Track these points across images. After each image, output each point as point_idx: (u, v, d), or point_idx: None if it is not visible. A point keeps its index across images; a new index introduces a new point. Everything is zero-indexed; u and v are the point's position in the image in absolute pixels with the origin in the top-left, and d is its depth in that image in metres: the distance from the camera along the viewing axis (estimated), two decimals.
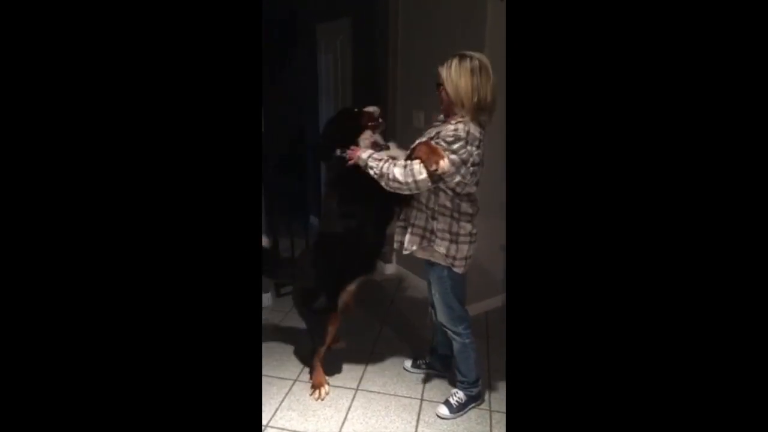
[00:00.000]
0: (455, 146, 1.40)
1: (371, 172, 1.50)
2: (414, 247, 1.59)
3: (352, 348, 2.23)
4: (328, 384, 1.91)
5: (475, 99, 1.40)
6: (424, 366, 2.03)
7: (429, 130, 1.54)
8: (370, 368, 2.08)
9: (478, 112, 1.43)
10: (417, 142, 1.50)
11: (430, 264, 1.63)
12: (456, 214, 1.52)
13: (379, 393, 1.91)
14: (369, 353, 2.19)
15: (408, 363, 2.06)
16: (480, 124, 1.45)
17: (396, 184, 1.44)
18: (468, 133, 1.40)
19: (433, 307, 1.77)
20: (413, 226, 1.58)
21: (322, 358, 1.92)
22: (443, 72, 1.44)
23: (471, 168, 1.44)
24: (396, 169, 1.44)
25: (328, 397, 1.88)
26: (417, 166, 1.41)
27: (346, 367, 2.09)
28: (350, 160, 1.56)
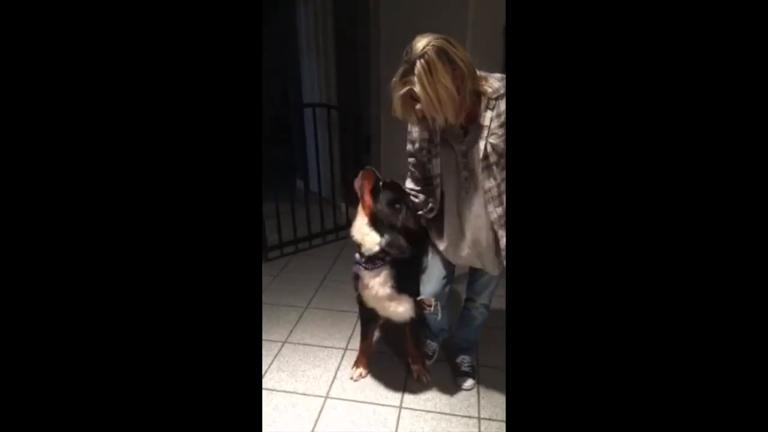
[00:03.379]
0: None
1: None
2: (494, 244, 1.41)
3: (342, 309, 2.24)
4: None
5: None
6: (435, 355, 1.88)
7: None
8: (359, 328, 2.09)
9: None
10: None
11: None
12: (503, 196, 1.33)
13: None
14: (358, 313, 2.20)
15: (469, 382, 1.78)
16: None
17: None
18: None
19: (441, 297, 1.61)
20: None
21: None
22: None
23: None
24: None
25: (317, 358, 1.90)
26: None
27: (335, 327, 2.10)
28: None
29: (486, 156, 1.28)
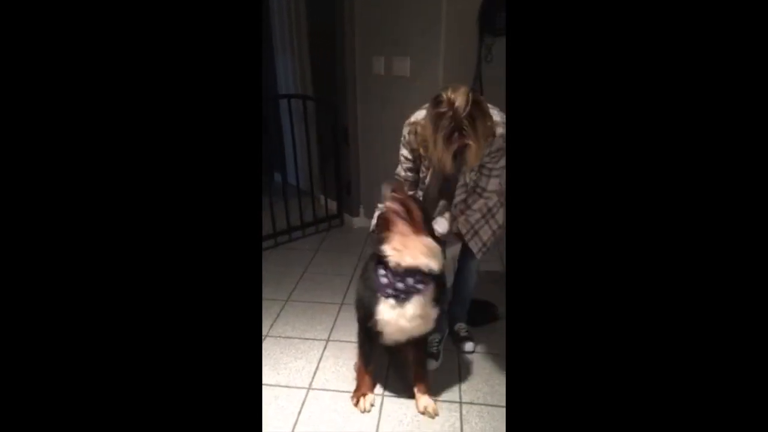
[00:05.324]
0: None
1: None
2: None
3: (323, 301, 2.25)
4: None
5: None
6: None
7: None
8: (341, 318, 2.10)
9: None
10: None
11: None
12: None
13: (349, 342, 1.93)
14: (339, 305, 2.21)
15: (433, 363, 1.78)
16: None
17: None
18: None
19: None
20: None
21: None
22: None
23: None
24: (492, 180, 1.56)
25: (299, 350, 1.90)
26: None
27: (316, 319, 2.10)
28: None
29: (474, 182, 1.58)
